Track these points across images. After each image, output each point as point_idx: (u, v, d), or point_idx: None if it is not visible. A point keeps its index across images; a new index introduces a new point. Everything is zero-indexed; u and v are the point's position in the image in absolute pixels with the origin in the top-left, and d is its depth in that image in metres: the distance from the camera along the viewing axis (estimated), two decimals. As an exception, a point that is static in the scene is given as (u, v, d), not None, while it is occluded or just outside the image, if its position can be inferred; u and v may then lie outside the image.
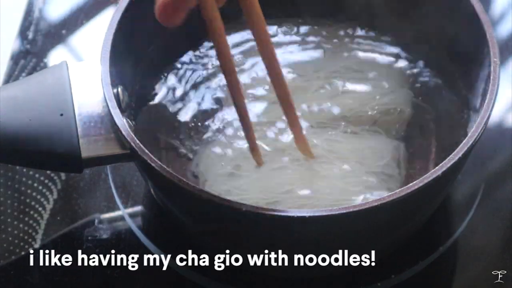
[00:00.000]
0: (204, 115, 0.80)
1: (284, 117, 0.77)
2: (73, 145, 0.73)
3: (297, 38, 0.85)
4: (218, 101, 0.81)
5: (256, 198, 0.74)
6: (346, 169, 0.75)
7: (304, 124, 0.78)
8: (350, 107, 0.79)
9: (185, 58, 0.84)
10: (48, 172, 0.88)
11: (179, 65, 0.83)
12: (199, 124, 0.80)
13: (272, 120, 0.79)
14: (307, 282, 0.80)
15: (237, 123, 0.79)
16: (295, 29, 0.86)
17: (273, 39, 0.85)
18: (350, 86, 0.81)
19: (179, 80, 0.82)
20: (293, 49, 0.84)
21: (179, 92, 0.81)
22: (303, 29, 0.86)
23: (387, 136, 0.78)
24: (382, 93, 0.80)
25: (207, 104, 0.81)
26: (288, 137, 0.78)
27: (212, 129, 0.79)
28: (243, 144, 0.77)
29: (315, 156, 0.76)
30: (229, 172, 0.76)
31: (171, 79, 0.82)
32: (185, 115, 0.80)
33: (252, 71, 0.83)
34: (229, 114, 0.80)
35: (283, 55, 0.84)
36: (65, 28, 1.01)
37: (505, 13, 1.01)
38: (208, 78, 0.83)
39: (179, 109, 0.80)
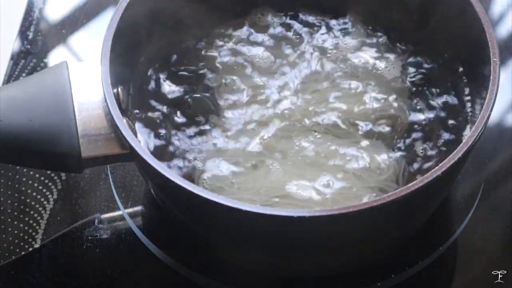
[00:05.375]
0: (205, 113, 0.80)
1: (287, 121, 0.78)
2: (73, 145, 0.73)
3: (297, 40, 0.85)
4: (220, 98, 0.81)
5: (248, 200, 0.74)
6: (342, 180, 0.75)
7: (306, 126, 0.78)
8: (345, 113, 0.79)
9: (185, 57, 0.84)
10: (48, 172, 0.88)
11: (179, 64, 0.83)
12: (201, 122, 0.79)
13: (275, 122, 0.79)
14: (307, 282, 0.80)
15: (240, 121, 0.79)
16: (294, 31, 0.86)
17: (272, 39, 0.85)
18: (347, 92, 0.81)
19: (180, 79, 0.82)
20: (291, 51, 0.84)
21: (179, 91, 0.81)
22: (304, 31, 0.86)
23: (390, 148, 0.77)
24: (378, 100, 0.80)
25: (209, 102, 0.81)
26: (289, 141, 0.78)
27: (215, 126, 0.79)
28: (245, 142, 0.77)
29: (315, 162, 0.76)
30: (227, 168, 0.76)
31: (171, 78, 0.82)
32: (186, 113, 0.80)
33: (257, 72, 0.83)
34: (231, 111, 0.80)
35: (281, 57, 0.84)
36: (65, 28, 1.01)
37: (505, 13, 1.01)
38: (208, 76, 0.82)
39: (180, 107, 0.80)
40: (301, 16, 0.87)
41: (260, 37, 0.85)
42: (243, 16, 0.86)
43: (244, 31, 0.85)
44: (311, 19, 0.86)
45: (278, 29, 0.86)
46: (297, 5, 0.87)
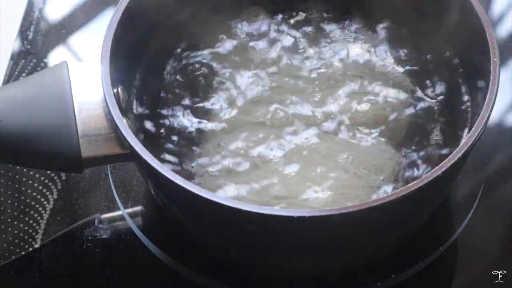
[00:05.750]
0: (205, 112, 0.80)
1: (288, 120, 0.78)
2: (73, 145, 0.73)
3: (300, 37, 0.85)
4: (219, 98, 0.81)
5: (247, 200, 0.74)
6: (343, 180, 0.75)
7: (306, 126, 0.78)
8: (345, 112, 0.79)
9: (186, 56, 0.84)
10: (48, 172, 0.88)
11: (179, 64, 0.83)
12: (201, 121, 0.79)
13: (274, 122, 0.79)
14: (307, 282, 0.80)
15: (240, 121, 0.79)
16: (301, 29, 0.86)
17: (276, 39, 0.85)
18: (347, 91, 0.81)
19: (180, 78, 0.82)
20: (294, 49, 0.84)
21: (180, 90, 0.81)
22: (308, 29, 0.86)
23: (390, 148, 0.77)
24: (378, 100, 0.80)
25: (209, 101, 0.81)
26: (289, 140, 0.78)
27: (215, 126, 0.79)
28: (245, 142, 0.77)
29: (315, 161, 0.76)
30: (227, 169, 0.76)
31: (172, 78, 0.82)
32: (185, 113, 0.80)
33: (258, 72, 0.83)
34: (232, 110, 0.80)
35: (284, 55, 0.84)
36: (65, 28, 1.01)
37: (505, 13, 1.01)
38: (209, 76, 0.82)
39: (180, 107, 0.80)
40: (301, 14, 0.87)
41: (260, 35, 0.85)
42: (242, 15, 0.86)
43: (244, 30, 0.85)
44: (311, 17, 0.86)
45: (278, 28, 0.86)
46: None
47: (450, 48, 0.82)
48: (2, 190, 0.87)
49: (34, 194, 0.87)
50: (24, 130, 0.72)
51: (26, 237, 0.84)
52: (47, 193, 0.87)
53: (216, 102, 0.81)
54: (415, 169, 0.76)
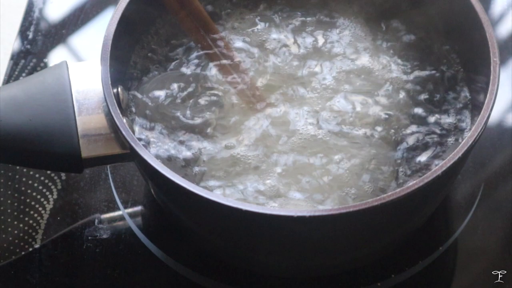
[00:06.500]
0: (205, 112, 0.80)
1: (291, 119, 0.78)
2: (73, 145, 0.73)
3: (298, 36, 0.85)
4: (219, 98, 0.81)
5: (246, 200, 0.74)
6: (342, 179, 0.75)
7: (307, 125, 0.78)
8: (345, 113, 0.79)
9: (186, 56, 0.84)
10: (48, 172, 0.88)
11: (180, 63, 0.83)
12: (202, 122, 0.79)
13: (273, 122, 0.79)
14: (307, 282, 0.80)
15: (240, 121, 0.79)
16: (301, 33, 0.86)
17: (274, 40, 0.85)
18: (347, 93, 0.81)
19: (181, 78, 0.82)
20: (294, 46, 0.85)
21: (180, 90, 0.81)
22: (305, 31, 0.86)
23: (390, 148, 0.77)
24: (379, 101, 0.80)
25: (208, 102, 0.81)
26: (290, 141, 0.78)
27: (216, 127, 0.79)
28: (244, 143, 0.77)
29: (315, 162, 0.76)
30: (226, 170, 0.76)
31: (172, 77, 0.82)
32: (185, 113, 0.80)
33: (256, 71, 0.83)
34: (231, 111, 0.80)
35: (285, 53, 0.84)
36: (65, 28, 1.01)
37: (505, 13, 1.01)
38: (209, 76, 0.82)
39: (180, 107, 0.80)
40: (303, 15, 0.87)
41: (259, 36, 0.85)
42: (240, 15, 0.87)
43: (247, 31, 0.85)
44: (313, 19, 0.86)
45: (276, 28, 0.86)
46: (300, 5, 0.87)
47: (450, 48, 0.82)
48: (2, 190, 0.87)
49: (34, 194, 0.87)
50: (24, 130, 0.72)
51: (26, 237, 0.84)
52: (47, 193, 0.87)
53: (217, 100, 0.81)
54: (415, 169, 0.76)
